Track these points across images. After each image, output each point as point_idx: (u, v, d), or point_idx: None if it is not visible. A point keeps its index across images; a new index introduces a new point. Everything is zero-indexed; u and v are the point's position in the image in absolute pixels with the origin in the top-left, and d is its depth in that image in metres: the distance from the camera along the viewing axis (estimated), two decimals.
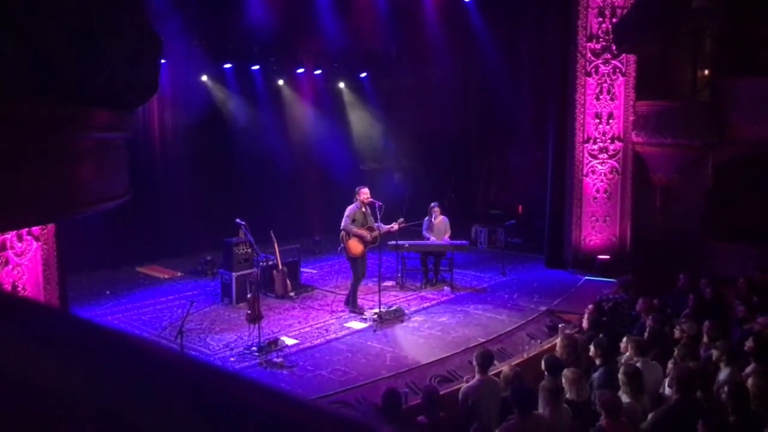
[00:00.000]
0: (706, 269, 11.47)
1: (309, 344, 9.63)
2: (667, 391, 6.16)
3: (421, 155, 18.81)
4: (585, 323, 8.90)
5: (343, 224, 10.75)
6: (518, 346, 9.84)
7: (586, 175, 14.45)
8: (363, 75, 18.52)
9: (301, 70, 17.37)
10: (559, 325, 9.66)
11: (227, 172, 15.74)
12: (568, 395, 6.12)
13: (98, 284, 12.66)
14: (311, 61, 17.53)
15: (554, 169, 14.83)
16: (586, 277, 13.63)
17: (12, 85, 2.90)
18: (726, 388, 5.66)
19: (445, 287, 12.66)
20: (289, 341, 9.65)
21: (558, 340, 7.77)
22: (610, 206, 14.49)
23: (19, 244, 6.82)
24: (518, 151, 18.14)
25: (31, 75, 2.95)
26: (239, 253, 11.59)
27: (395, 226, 11.17)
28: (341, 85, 18.54)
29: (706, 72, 14.99)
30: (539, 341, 9.99)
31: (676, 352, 6.99)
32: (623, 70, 14.21)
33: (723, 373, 6.46)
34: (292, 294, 12.05)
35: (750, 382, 5.95)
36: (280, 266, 11.96)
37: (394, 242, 11.92)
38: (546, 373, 6.41)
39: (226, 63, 15.61)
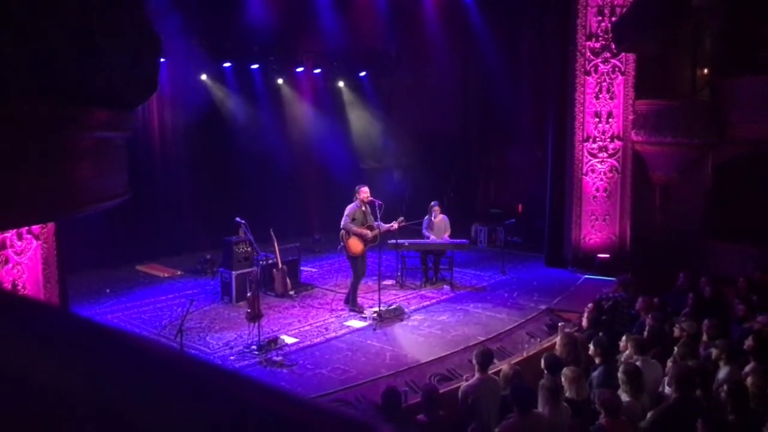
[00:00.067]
0: (705, 268, 11.47)
1: (309, 343, 9.63)
2: (667, 390, 6.16)
3: (420, 154, 18.81)
4: (584, 322, 8.89)
5: (343, 223, 10.75)
6: (518, 344, 9.84)
7: (586, 174, 14.45)
8: (362, 74, 18.51)
9: (300, 69, 17.36)
10: (559, 324, 9.66)
11: (227, 171, 15.74)
12: (567, 394, 6.12)
13: (98, 283, 12.65)
14: (311, 60, 17.52)
15: (554, 167, 14.83)
16: (586, 276, 13.64)
17: (12, 85, 2.90)
18: (725, 387, 5.66)
19: (445, 286, 12.66)
20: (288, 340, 9.65)
21: (558, 339, 7.77)
22: (610, 205, 14.49)
23: (19, 243, 6.82)
24: (518, 150, 18.14)
25: (31, 75, 2.95)
26: (239, 251, 11.58)
27: (395, 224, 11.16)
28: (341, 84, 18.53)
29: (706, 71, 14.99)
30: (539, 340, 9.99)
31: (675, 351, 6.99)
32: (623, 69, 14.21)
33: (722, 372, 6.46)
34: (291, 293, 12.05)
35: (749, 380, 5.95)
36: (280, 265, 11.96)
37: (393, 241, 11.92)
38: (546, 372, 6.41)
39: (226, 62, 15.60)
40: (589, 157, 14.41)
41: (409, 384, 7.98)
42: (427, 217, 13.02)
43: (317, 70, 17.77)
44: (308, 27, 16.11)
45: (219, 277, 12.11)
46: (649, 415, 5.62)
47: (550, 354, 7.01)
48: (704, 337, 7.56)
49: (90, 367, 0.65)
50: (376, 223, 10.87)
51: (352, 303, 11.13)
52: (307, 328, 10.35)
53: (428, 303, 11.72)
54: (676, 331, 7.87)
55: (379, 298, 10.83)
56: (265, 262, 11.93)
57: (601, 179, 14.45)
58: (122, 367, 0.65)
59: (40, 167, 3.24)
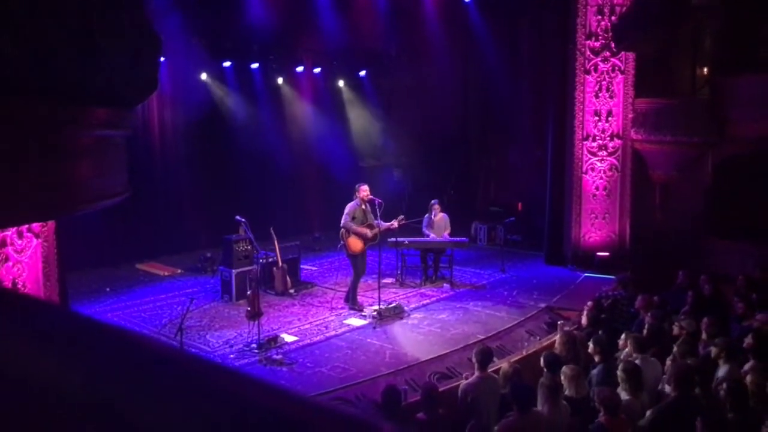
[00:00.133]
0: (705, 267, 11.47)
1: (309, 341, 9.64)
2: (667, 388, 6.17)
3: (420, 153, 18.80)
4: (584, 320, 8.89)
5: (343, 221, 10.75)
6: (517, 343, 9.84)
7: (586, 173, 14.44)
8: (362, 73, 18.50)
9: (300, 69, 17.36)
10: (558, 322, 9.66)
11: (227, 170, 15.73)
12: (567, 392, 6.13)
13: (98, 281, 12.66)
14: (311, 60, 17.52)
15: (554, 166, 14.83)
16: (586, 274, 13.63)
17: (12, 85, 2.91)
18: (724, 385, 5.67)
19: (445, 284, 12.66)
20: (288, 338, 9.66)
21: (557, 337, 7.77)
22: (610, 203, 14.49)
23: (19, 241, 6.83)
24: (518, 148, 18.12)
25: (31, 75, 2.96)
26: (239, 250, 11.58)
27: (395, 223, 11.16)
28: (341, 83, 18.52)
29: (706, 70, 14.98)
30: (538, 338, 9.99)
31: (675, 349, 7.00)
32: (622, 68, 14.20)
33: (722, 370, 6.47)
34: (291, 291, 12.05)
35: (749, 379, 5.96)
36: (280, 263, 11.96)
37: (393, 239, 11.92)
38: (545, 370, 6.41)
39: (226, 61, 15.60)
40: (589, 156, 14.41)
41: (409, 382, 7.99)
42: (427, 215, 13.02)
43: (317, 70, 17.76)
44: (308, 26, 16.09)
45: (219, 276, 12.11)
46: (648, 413, 5.63)
47: (550, 352, 7.01)
48: (704, 336, 7.57)
49: (90, 366, 0.65)
50: (376, 221, 10.87)
51: (352, 301, 11.13)
52: (307, 326, 10.36)
53: (428, 301, 11.73)
54: (676, 330, 7.88)
55: (379, 297, 10.83)
56: (265, 261, 11.93)
57: (601, 178, 14.44)
58: (122, 365, 0.66)
59: (40, 166, 3.25)
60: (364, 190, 10.85)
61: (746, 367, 6.45)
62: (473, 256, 15.11)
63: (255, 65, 16.38)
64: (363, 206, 10.90)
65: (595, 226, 14.48)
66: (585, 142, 14.38)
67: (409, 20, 17.18)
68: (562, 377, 6.17)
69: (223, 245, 11.87)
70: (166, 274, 13.62)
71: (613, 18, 13.85)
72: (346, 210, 10.82)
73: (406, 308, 11.05)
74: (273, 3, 14.89)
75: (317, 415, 0.60)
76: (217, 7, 14.48)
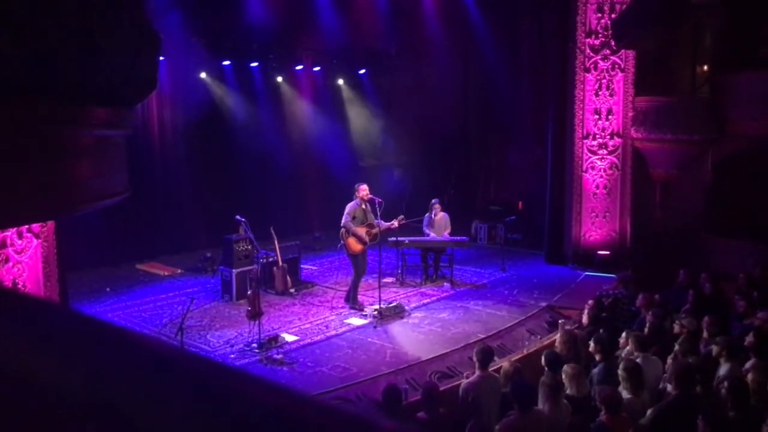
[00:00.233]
0: (705, 265, 11.46)
1: (309, 341, 9.64)
2: (668, 387, 6.16)
3: (420, 152, 18.80)
4: (585, 319, 8.90)
5: (343, 221, 10.76)
6: (518, 341, 9.84)
7: (586, 171, 14.45)
8: (362, 72, 18.50)
9: (300, 67, 17.36)
10: (559, 321, 9.66)
11: (227, 169, 15.73)
12: (568, 391, 6.13)
13: (98, 281, 12.66)
14: (310, 58, 17.52)
15: (554, 165, 14.83)
16: (586, 273, 13.63)
17: (12, 85, 2.90)
18: (725, 384, 5.67)
19: (445, 283, 12.66)
20: (289, 338, 9.66)
21: (557, 336, 7.77)
22: (610, 202, 14.49)
23: (20, 242, 6.82)
24: (518, 147, 18.11)
25: (31, 75, 2.95)
26: (239, 249, 11.59)
27: (395, 223, 11.17)
28: (340, 82, 18.51)
29: (706, 68, 14.98)
30: (539, 337, 9.99)
31: (677, 347, 7.00)
32: (622, 66, 14.20)
33: (723, 369, 6.47)
34: (292, 290, 12.05)
35: (750, 377, 5.96)
36: (281, 263, 11.97)
37: (394, 238, 11.91)
38: (546, 369, 6.41)
39: (225, 60, 15.59)
40: (589, 154, 14.41)
41: (410, 381, 7.99)
42: (427, 214, 13.02)
43: (317, 68, 17.76)
44: (308, 25, 16.10)
45: (219, 276, 12.11)
46: (649, 412, 5.63)
47: (551, 351, 7.01)
48: (705, 334, 7.57)
49: (90, 366, 0.65)
50: (376, 221, 10.87)
51: (352, 301, 11.13)
52: (307, 325, 10.36)
53: (428, 300, 11.73)
54: (676, 328, 7.88)
55: (380, 296, 10.84)
56: (265, 260, 11.93)
57: (601, 176, 14.45)
58: (123, 365, 0.66)
59: (40, 166, 3.25)
60: (364, 190, 10.85)
61: (747, 365, 6.44)
62: (473, 256, 15.10)
63: (255, 64, 16.38)
64: (363, 206, 10.90)
65: (596, 225, 14.48)
66: (585, 141, 14.38)
67: (409, 19, 17.18)
68: (564, 376, 6.17)
69: (224, 245, 11.87)
70: (167, 274, 13.62)
71: (613, 16, 13.85)
72: (347, 210, 10.83)
73: (406, 307, 11.05)
74: (273, 2, 14.90)
75: (319, 414, 0.60)
76: (217, 6, 14.47)
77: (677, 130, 13.79)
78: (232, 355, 9.10)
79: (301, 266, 13.20)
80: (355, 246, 10.78)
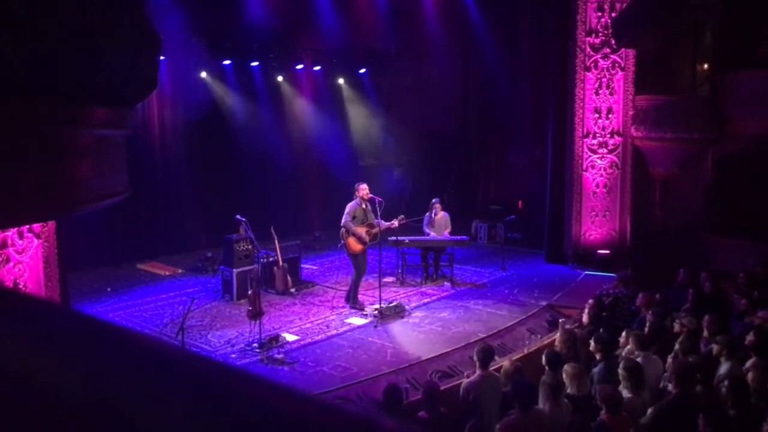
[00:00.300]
0: (705, 264, 11.46)
1: (310, 340, 9.64)
2: (669, 386, 6.16)
3: (420, 151, 18.81)
4: (585, 318, 8.89)
5: (343, 221, 10.76)
6: (519, 341, 9.84)
7: (586, 170, 14.44)
8: (362, 71, 18.49)
9: (300, 67, 17.36)
10: (560, 320, 9.66)
11: (227, 169, 15.73)
12: (569, 390, 6.13)
13: (99, 281, 12.66)
14: (310, 58, 17.52)
15: (554, 164, 14.83)
16: (586, 272, 13.63)
17: (12, 85, 2.90)
18: (726, 382, 5.67)
19: (446, 283, 12.66)
20: (290, 337, 9.66)
21: (557, 335, 7.77)
22: (610, 201, 14.49)
23: (20, 242, 6.82)
24: (518, 146, 18.11)
25: (31, 75, 2.95)
26: (240, 249, 11.59)
27: (395, 222, 11.17)
28: (341, 81, 18.50)
29: (706, 66, 14.98)
30: (539, 336, 9.99)
31: (677, 346, 7.00)
32: (622, 65, 14.20)
33: (723, 367, 6.47)
34: (292, 290, 12.05)
35: (750, 376, 5.96)
36: (281, 262, 11.97)
37: (394, 238, 11.91)
38: (547, 368, 6.41)
39: (226, 60, 15.59)
40: (589, 153, 14.41)
41: (410, 381, 7.99)
42: (428, 214, 13.01)
43: (317, 68, 17.76)
44: (308, 24, 16.09)
45: (220, 275, 12.12)
46: (649, 411, 5.63)
47: (551, 350, 7.01)
48: (705, 333, 7.56)
49: (90, 365, 0.65)
50: (376, 220, 10.87)
51: (353, 300, 11.13)
52: (308, 325, 10.36)
53: (429, 300, 11.73)
54: (676, 327, 7.87)
55: (380, 296, 10.84)
56: (265, 260, 11.94)
57: (601, 175, 14.44)
58: (123, 364, 0.66)
59: (40, 166, 3.25)
60: (364, 189, 10.85)
61: (748, 364, 6.44)
62: (474, 255, 15.10)
63: (255, 64, 16.38)
64: (363, 205, 10.90)
65: (596, 224, 14.48)
66: (585, 140, 14.38)
67: (409, 19, 17.17)
68: (564, 375, 6.16)
69: (224, 245, 11.87)
70: (167, 273, 13.62)
71: (613, 14, 13.85)
72: (347, 209, 10.83)
73: (407, 307, 11.05)
74: (273, 2, 14.89)
75: (320, 414, 0.60)
76: (217, 5, 14.47)
77: (677, 129, 13.78)
78: (233, 355, 9.10)
79: (302, 266, 13.21)
80: (356, 246, 10.78)
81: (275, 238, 11.80)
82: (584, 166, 14.43)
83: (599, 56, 14.16)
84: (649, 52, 14.18)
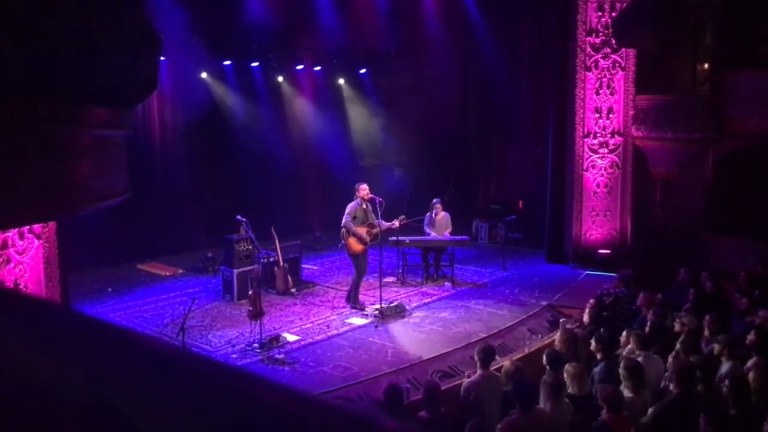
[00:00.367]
0: (706, 263, 11.46)
1: (310, 340, 9.64)
2: (670, 385, 6.16)
3: (421, 151, 18.82)
4: (586, 318, 8.89)
5: (343, 221, 10.76)
6: (519, 341, 9.84)
7: (587, 170, 14.44)
8: (362, 72, 18.50)
9: (300, 67, 17.36)
10: (561, 320, 9.66)
11: (227, 169, 15.73)
12: (570, 390, 6.12)
13: (100, 282, 12.67)
14: (311, 58, 17.52)
15: (554, 164, 14.82)
16: (587, 272, 13.63)
17: (12, 85, 2.90)
18: (727, 382, 5.67)
19: (446, 283, 12.66)
20: (290, 337, 9.66)
21: (557, 334, 7.77)
22: (611, 201, 14.49)
23: (21, 242, 6.83)
24: (518, 146, 18.11)
25: (31, 75, 2.95)
26: (240, 249, 11.59)
27: (396, 223, 11.17)
28: (341, 81, 18.51)
29: (706, 66, 14.98)
30: (540, 336, 9.99)
31: (679, 346, 7.00)
32: (623, 65, 14.20)
33: (724, 367, 6.47)
34: (293, 290, 12.05)
35: (751, 375, 5.96)
36: (281, 263, 11.97)
37: (394, 238, 11.90)
38: (547, 368, 6.41)
39: (226, 60, 15.59)
40: (590, 153, 14.41)
41: (411, 381, 7.99)
42: (428, 214, 13.01)
43: (317, 68, 17.76)
44: (308, 24, 16.10)
45: (220, 276, 12.12)
46: (650, 410, 5.62)
47: (552, 350, 7.01)
48: (706, 333, 7.56)
49: (91, 365, 0.65)
50: (377, 220, 10.87)
51: (353, 300, 11.13)
52: (308, 325, 10.36)
53: (429, 300, 11.73)
54: (677, 326, 7.87)
55: (381, 296, 10.84)
56: (266, 260, 11.94)
57: (602, 175, 14.44)
58: (123, 364, 0.65)
59: (40, 166, 3.24)
60: (364, 189, 10.85)
61: (749, 363, 6.44)
62: (474, 255, 15.10)
63: (255, 64, 16.38)
64: (364, 205, 10.90)
65: (596, 224, 14.48)
66: (586, 140, 14.38)
67: (409, 19, 17.17)
68: (565, 375, 6.16)
69: (225, 245, 11.87)
70: (168, 274, 13.62)
71: (613, 14, 13.85)
72: (347, 210, 10.83)
73: (407, 307, 11.05)
74: (273, 2, 14.90)
75: (321, 413, 0.60)
76: (217, 5, 14.47)
77: (678, 129, 13.79)
78: (234, 355, 9.10)
79: (302, 266, 13.21)
80: (356, 246, 10.78)
81: (276, 238, 11.80)
82: (585, 166, 14.43)
83: (600, 56, 14.16)
84: (649, 52, 14.18)
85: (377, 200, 10.72)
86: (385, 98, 18.90)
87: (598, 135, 14.36)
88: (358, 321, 10.47)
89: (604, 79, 14.21)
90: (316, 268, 14.23)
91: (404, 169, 19.60)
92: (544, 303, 11.44)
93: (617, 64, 14.19)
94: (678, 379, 5.63)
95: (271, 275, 12.00)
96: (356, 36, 16.66)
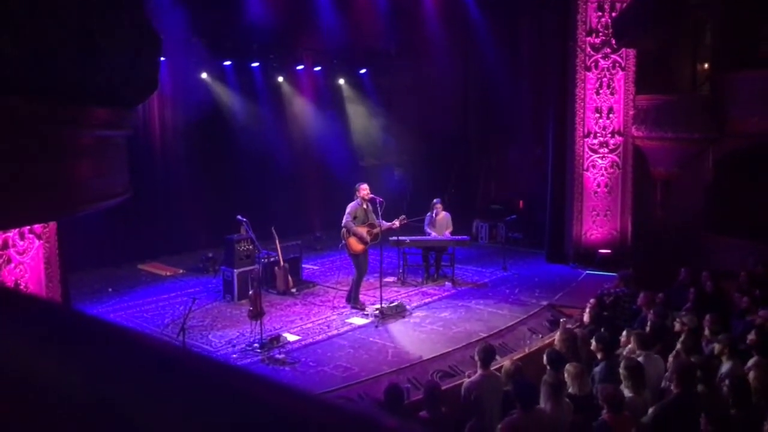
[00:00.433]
0: (706, 263, 11.47)
1: (311, 340, 9.64)
2: (671, 385, 6.16)
3: (421, 151, 18.81)
4: (586, 317, 8.89)
5: (344, 221, 10.76)
6: (520, 340, 9.84)
7: (587, 170, 14.44)
8: (363, 72, 18.50)
9: (300, 67, 17.36)
10: (561, 320, 9.66)
11: (228, 169, 15.73)
12: (570, 390, 6.12)
13: (100, 282, 12.66)
14: (311, 58, 17.52)
15: (554, 164, 14.83)
16: (587, 272, 13.63)
17: (12, 85, 2.90)
18: (727, 381, 5.67)
19: (447, 282, 12.66)
20: (291, 337, 9.66)
21: (557, 334, 7.77)
22: (611, 200, 14.49)
23: (21, 243, 6.83)
24: (518, 146, 18.11)
25: (31, 74, 2.95)
26: (240, 249, 11.59)
27: (396, 223, 11.16)
28: (341, 81, 18.51)
29: (706, 66, 14.98)
30: (540, 336, 9.99)
31: (679, 346, 7.00)
32: (623, 65, 14.20)
33: (725, 367, 6.47)
34: (293, 290, 12.05)
35: (752, 375, 5.95)
36: (282, 263, 11.97)
37: (395, 238, 11.90)
38: (548, 368, 6.41)
39: (226, 60, 15.59)
40: (590, 153, 14.41)
41: (412, 381, 7.99)
42: (429, 213, 13.02)
43: (317, 68, 17.76)
44: (308, 25, 16.09)
45: (221, 276, 12.12)
46: (650, 410, 5.62)
47: (553, 350, 7.01)
48: (706, 332, 7.56)
49: (91, 365, 0.65)
50: (377, 220, 10.87)
51: (354, 300, 11.13)
52: (309, 325, 10.36)
53: (430, 300, 11.73)
54: (677, 326, 7.87)
55: (381, 295, 10.84)
56: (266, 260, 11.95)
57: (602, 175, 14.44)
58: (123, 364, 0.65)
59: (40, 166, 3.24)
60: (364, 189, 10.85)
61: (749, 363, 6.44)
62: (475, 255, 15.10)
63: (255, 64, 16.38)
64: (364, 205, 10.89)
65: (597, 224, 14.48)
66: (586, 139, 14.38)
67: (409, 19, 17.17)
68: (566, 375, 6.15)
69: (225, 245, 11.87)
70: (168, 274, 13.62)
71: (613, 14, 13.85)
72: (348, 209, 10.83)
73: (408, 307, 11.05)
74: (273, 2, 14.89)
75: (322, 413, 0.59)
76: (217, 5, 14.46)
77: (678, 129, 13.79)
78: (234, 355, 9.10)
79: (303, 266, 13.21)
80: (356, 246, 10.78)
81: (276, 238, 11.80)
82: (585, 166, 14.43)
83: (600, 56, 14.16)
84: (649, 51, 14.18)
85: (378, 200, 10.72)
86: (385, 98, 18.91)
87: (598, 135, 14.36)
88: (358, 321, 10.47)
89: (604, 79, 14.21)
90: (317, 268, 14.23)
91: (404, 169, 19.60)
92: (545, 303, 11.44)
93: (617, 64, 14.19)
94: (678, 379, 5.62)
95: (272, 275, 12.01)
96: (356, 36, 16.65)
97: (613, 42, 13.83)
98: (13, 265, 6.73)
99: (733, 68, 13.76)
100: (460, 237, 13.04)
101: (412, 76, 18.89)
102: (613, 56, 14.16)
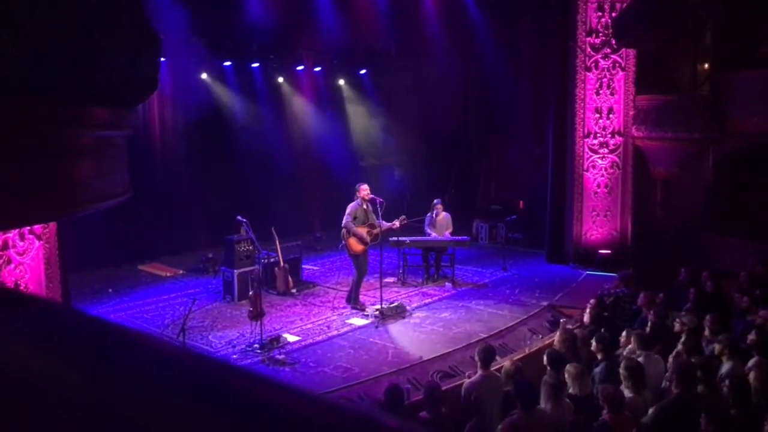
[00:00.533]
0: (706, 263, 11.47)
1: (311, 341, 9.64)
2: (671, 385, 6.15)
3: (421, 151, 18.81)
4: (586, 318, 8.89)
5: (344, 222, 10.75)
6: (520, 341, 9.84)
7: (587, 170, 14.44)
8: (363, 72, 18.50)
9: (300, 67, 17.36)
10: (561, 320, 9.66)
11: (228, 170, 15.73)
12: (570, 390, 6.12)
13: (100, 282, 12.66)
14: (311, 58, 17.52)
15: (554, 164, 14.83)
16: (587, 272, 13.63)
17: (12, 85, 2.90)
18: (727, 382, 5.67)
19: (447, 283, 12.66)
20: (291, 338, 9.66)
21: (557, 335, 7.76)
22: (611, 201, 14.49)
23: (21, 243, 6.83)
24: (518, 147, 18.11)
25: (30, 74, 2.95)
26: (241, 250, 11.59)
27: (397, 223, 11.16)
28: (341, 82, 18.51)
29: (706, 66, 14.98)
30: (541, 336, 9.99)
31: (680, 346, 7.00)
32: (623, 65, 14.20)
33: (725, 367, 6.46)
34: (293, 291, 12.05)
35: (752, 375, 5.95)
36: (282, 263, 11.97)
37: (395, 238, 11.90)
38: (548, 368, 6.41)
39: (226, 60, 15.59)
40: (590, 153, 14.41)
41: (412, 381, 7.99)
42: (429, 214, 13.02)
43: (317, 68, 17.76)
44: (308, 25, 16.10)
45: (221, 276, 12.12)
46: (651, 410, 5.62)
47: (553, 350, 7.00)
48: (706, 332, 7.56)
49: (91, 365, 0.65)
50: (377, 221, 10.87)
51: (354, 301, 11.13)
52: (309, 326, 10.36)
53: (430, 300, 11.73)
54: (677, 326, 7.87)
55: (381, 296, 10.84)
56: (266, 261, 11.95)
57: (602, 175, 14.44)
58: (124, 364, 0.65)
59: (41, 167, 3.24)
60: (364, 190, 10.85)
61: (750, 363, 6.44)
62: (475, 255, 15.10)
63: (255, 64, 16.39)
64: (364, 206, 10.89)
65: (597, 224, 14.48)
66: (586, 140, 14.38)
67: (409, 19, 17.17)
68: (567, 375, 6.16)
69: (225, 245, 11.87)
70: (168, 274, 13.62)
71: (613, 14, 13.85)
72: (348, 210, 10.83)
73: (408, 307, 11.05)
74: (273, 2, 14.90)
75: (323, 412, 0.59)
76: (217, 5, 14.47)
77: (678, 129, 13.79)
78: (234, 356, 9.10)
79: (303, 266, 13.21)
80: (356, 246, 10.78)
81: (276, 238, 11.80)
82: (585, 166, 14.43)
83: (600, 56, 14.16)
84: (649, 52, 14.18)
85: (378, 200, 10.72)
86: (385, 98, 18.92)
87: (598, 135, 14.36)
88: (358, 321, 10.47)
89: (604, 80, 14.21)
90: (317, 268, 14.23)
91: (404, 169, 19.61)
92: (545, 303, 11.44)
93: (617, 64, 14.20)
94: (679, 379, 5.62)
95: (272, 276, 12.01)
96: (356, 36, 16.66)
97: (613, 42, 13.83)
98: (13, 265, 6.72)
99: (733, 68, 13.75)
100: (460, 237, 13.04)
101: (412, 76, 18.90)
102: (613, 56, 14.16)
